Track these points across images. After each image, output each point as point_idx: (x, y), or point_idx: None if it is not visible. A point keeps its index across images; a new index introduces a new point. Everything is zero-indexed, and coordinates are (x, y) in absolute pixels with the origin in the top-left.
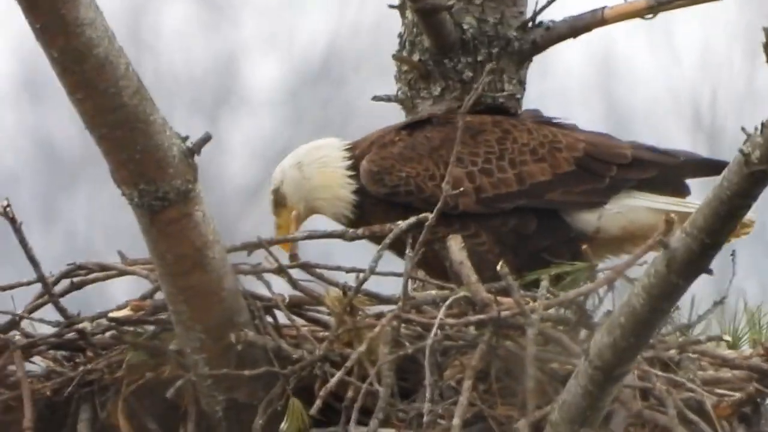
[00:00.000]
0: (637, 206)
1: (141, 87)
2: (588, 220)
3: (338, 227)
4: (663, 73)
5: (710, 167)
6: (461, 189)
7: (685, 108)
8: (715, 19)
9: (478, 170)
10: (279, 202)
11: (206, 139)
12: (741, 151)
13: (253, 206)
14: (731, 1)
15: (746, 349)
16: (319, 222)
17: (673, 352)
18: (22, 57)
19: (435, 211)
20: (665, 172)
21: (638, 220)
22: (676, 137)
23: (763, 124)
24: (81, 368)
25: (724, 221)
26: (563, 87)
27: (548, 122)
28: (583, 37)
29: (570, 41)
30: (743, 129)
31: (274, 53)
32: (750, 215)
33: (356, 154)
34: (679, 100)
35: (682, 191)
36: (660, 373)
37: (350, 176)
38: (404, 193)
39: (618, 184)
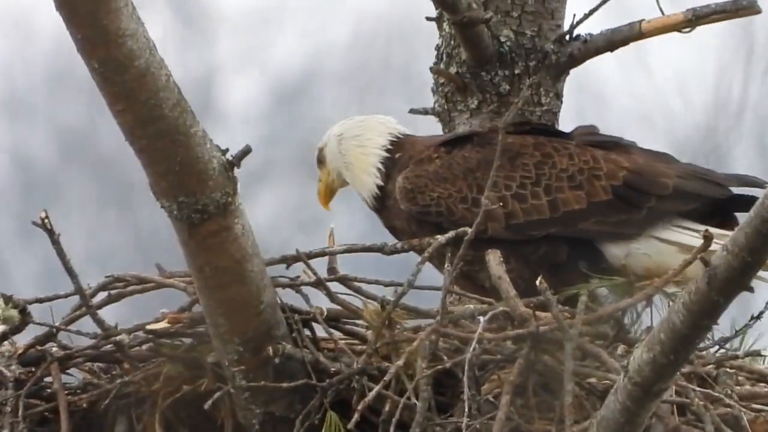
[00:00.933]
0: (666, 249)
1: (182, 99)
2: (616, 255)
3: (377, 240)
4: (636, 94)
5: None
6: (500, 204)
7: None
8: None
9: (512, 195)
10: (321, 161)
11: (246, 151)
12: None
13: None
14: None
15: None
16: (359, 235)
17: (710, 367)
18: (1, 75)
19: (474, 225)
20: (709, 204)
21: (665, 263)
22: None
23: None
24: (118, 380)
25: (766, 240)
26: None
27: (599, 143)
28: None
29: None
30: None
31: (250, 71)
32: None
33: (397, 155)
34: (652, 120)
35: (730, 223)
36: (697, 388)
37: (379, 170)
38: (435, 213)
39: (656, 215)
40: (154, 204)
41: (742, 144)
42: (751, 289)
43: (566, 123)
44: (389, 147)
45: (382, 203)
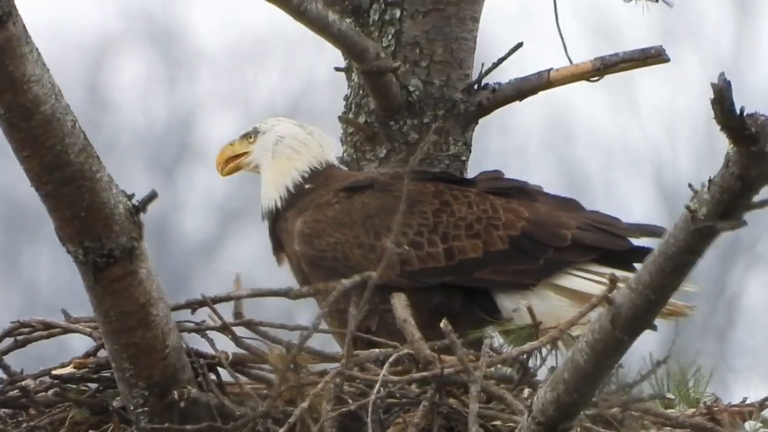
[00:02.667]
0: (561, 301)
1: (87, 144)
2: (508, 306)
3: (282, 285)
4: (623, 133)
5: None
6: (405, 248)
7: (645, 168)
8: (677, 79)
9: (408, 242)
10: (248, 137)
11: (152, 196)
12: (688, 207)
13: (210, 261)
14: (693, 60)
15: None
16: (264, 279)
17: (616, 410)
18: None
19: (379, 269)
20: (608, 255)
21: (558, 314)
22: (634, 197)
23: (710, 181)
24: (24, 425)
25: (670, 278)
26: (522, 146)
27: (503, 189)
28: (543, 96)
29: (523, 101)
30: (690, 186)
31: (232, 109)
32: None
33: (307, 186)
34: (640, 159)
35: (630, 269)
36: (603, 430)
37: (288, 192)
38: (331, 258)
39: (552, 266)
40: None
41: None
42: (654, 328)
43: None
44: (307, 175)
45: (274, 221)
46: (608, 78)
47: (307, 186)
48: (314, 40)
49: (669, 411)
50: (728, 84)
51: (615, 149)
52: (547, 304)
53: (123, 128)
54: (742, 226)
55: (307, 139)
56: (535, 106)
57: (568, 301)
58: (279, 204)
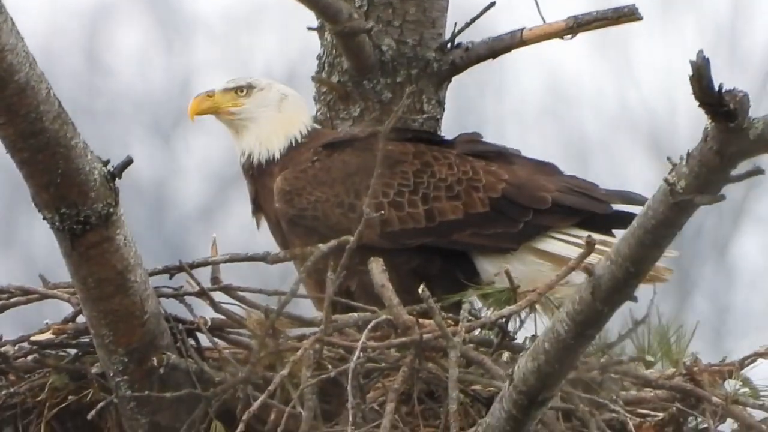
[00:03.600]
0: (541, 264)
1: (62, 112)
2: (488, 269)
3: (259, 250)
4: (621, 97)
5: None
6: (381, 213)
7: (642, 132)
8: (674, 42)
9: (388, 202)
10: (237, 91)
11: (127, 162)
12: (666, 180)
13: (209, 226)
14: (690, 23)
15: (668, 370)
16: (239, 245)
17: (595, 373)
18: None
19: (356, 234)
20: (588, 219)
21: (538, 278)
22: (632, 161)
23: (688, 154)
24: (3, 391)
25: (649, 250)
26: (519, 110)
27: (482, 152)
28: (540, 61)
29: (522, 67)
30: (669, 159)
31: (229, 75)
32: (667, 264)
33: (302, 140)
34: (637, 124)
35: (609, 234)
36: (582, 394)
37: (290, 144)
38: (310, 217)
39: (532, 230)
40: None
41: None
42: (635, 299)
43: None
44: (306, 132)
45: (260, 175)
46: (605, 43)
47: (302, 141)
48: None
49: (648, 372)
50: (707, 61)
51: (612, 113)
52: (529, 268)
53: (121, 94)
54: (721, 200)
55: (302, 99)
56: (531, 71)
57: (550, 265)
58: (277, 155)
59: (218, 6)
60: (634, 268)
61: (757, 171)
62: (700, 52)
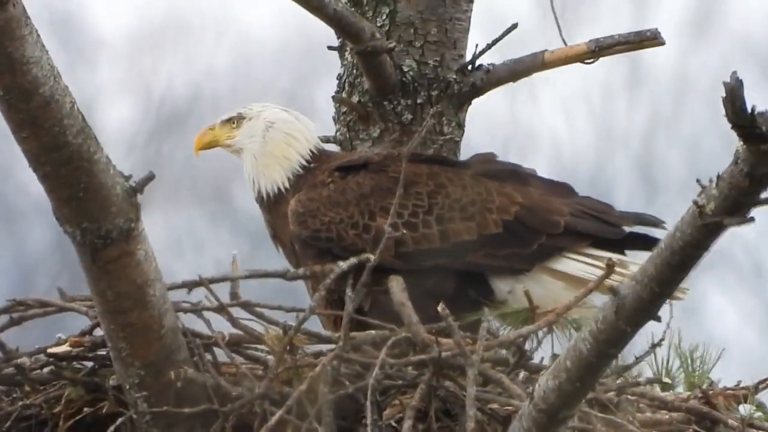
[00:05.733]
0: (555, 285)
1: (85, 126)
2: (503, 289)
3: (278, 267)
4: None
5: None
6: (403, 232)
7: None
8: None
9: (403, 223)
10: (232, 122)
11: (150, 178)
12: (695, 202)
13: None
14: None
15: (683, 392)
16: (261, 262)
17: (612, 393)
18: None
19: (378, 251)
20: (603, 242)
21: (550, 299)
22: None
23: (718, 176)
24: (19, 403)
25: (675, 271)
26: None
27: (496, 172)
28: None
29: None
30: (698, 181)
31: (132, 97)
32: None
33: (312, 165)
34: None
35: (623, 253)
36: (599, 414)
37: (294, 173)
38: (325, 239)
39: (545, 251)
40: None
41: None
42: (658, 319)
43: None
44: (309, 157)
45: (274, 204)
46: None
47: (312, 165)
48: (214, 27)
49: (664, 394)
50: (740, 83)
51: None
52: (543, 288)
53: None
54: (750, 222)
55: (296, 123)
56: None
57: (563, 284)
58: (283, 185)
59: (121, 27)
60: (660, 289)
61: None
62: (734, 73)
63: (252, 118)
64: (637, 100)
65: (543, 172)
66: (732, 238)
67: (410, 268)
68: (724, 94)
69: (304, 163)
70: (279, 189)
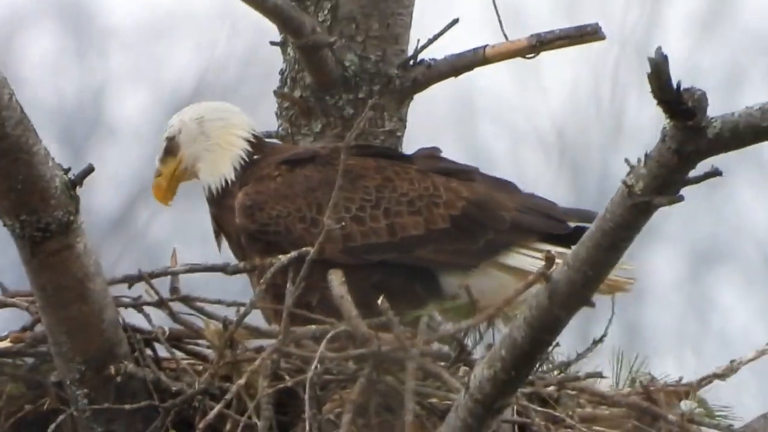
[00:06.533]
0: (504, 279)
1: (24, 117)
2: (452, 284)
3: (219, 261)
4: (529, 111)
5: None
6: (343, 224)
7: (549, 145)
8: (583, 58)
9: (351, 217)
10: (170, 151)
11: (88, 170)
12: (624, 182)
13: (119, 237)
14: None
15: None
16: (199, 255)
17: (552, 388)
18: None
19: (316, 245)
20: (549, 237)
21: (501, 293)
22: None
23: (646, 155)
24: None
25: (607, 253)
26: (427, 124)
27: (441, 168)
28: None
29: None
30: (626, 160)
31: (142, 85)
32: (628, 274)
33: (255, 157)
34: (545, 136)
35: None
36: (539, 408)
37: (240, 161)
38: (273, 232)
39: (493, 247)
40: None
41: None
42: (592, 304)
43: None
44: (252, 141)
45: (222, 197)
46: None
47: (255, 157)
48: (224, 16)
49: (605, 390)
50: (665, 58)
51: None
52: (493, 281)
53: (33, 104)
54: (680, 201)
55: (224, 108)
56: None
57: (513, 278)
58: (231, 178)
59: (131, 15)
60: (592, 272)
61: (715, 173)
62: (659, 48)
63: (181, 131)
64: (648, 94)
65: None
66: (741, 234)
67: (358, 263)
68: (649, 70)
69: (248, 147)
70: (226, 181)
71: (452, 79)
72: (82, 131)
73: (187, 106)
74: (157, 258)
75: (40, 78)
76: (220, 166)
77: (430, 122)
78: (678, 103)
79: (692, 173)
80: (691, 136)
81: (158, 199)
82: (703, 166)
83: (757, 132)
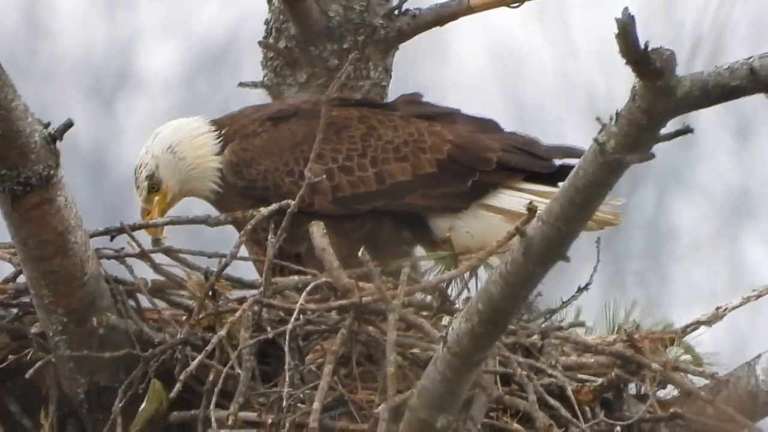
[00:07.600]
0: (492, 220)
1: (2, 73)
2: (441, 227)
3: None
4: (558, 63)
5: None
6: (323, 176)
7: (579, 98)
8: (611, 9)
9: (338, 167)
10: (153, 188)
11: (68, 125)
12: (596, 140)
13: None
14: None
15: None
16: (185, 207)
17: (535, 338)
18: None
19: (297, 198)
20: (534, 176)
21: (490, 235)
22: (569, 128)
23: (617, 114)
24: None
25: (580, 210)
26: (459, 76)
27: (423, 113)
28: (480, 27)
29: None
30: (598, 119)
31: (171, 38)
32: (614, 210)
33: (225, 132)
34: (574, 90)
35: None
36: (521, 358)
37: (218, 153)
38: (261, 188)
39: (480, 188)
40: None
41: None
42: (567, 259)
43: None
44: (214, 128)
45: (220, 194)
46: (542, 8)
47: (224, 131)
48: None
49: (589, 338)
50: (632, 19)
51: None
52: (483, 223)
53: (61, 56)
54: (650, 159)
55: (177, 126)
56: (471, 37)
57: (501, 218)
58: (217, 163)
59: None
60: (566, 228)
61: (686, 130)
62: (626, 9)
63: (158, 165)
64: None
65: None
66: None
67: (348, 213)
68: (616, 30)
69: (215, 134)
70: (219, 177)
71: (480, 31)
72: (110, 84)
73: (141, 146)
74: None
75: (69, 30)
76: (209, 167)
77: (462, 73)
78: (646, 64)
79: (663, 131)
80: (660, 95)
81: (153, 234)
82: (674, 124)
83: (726, 91)
